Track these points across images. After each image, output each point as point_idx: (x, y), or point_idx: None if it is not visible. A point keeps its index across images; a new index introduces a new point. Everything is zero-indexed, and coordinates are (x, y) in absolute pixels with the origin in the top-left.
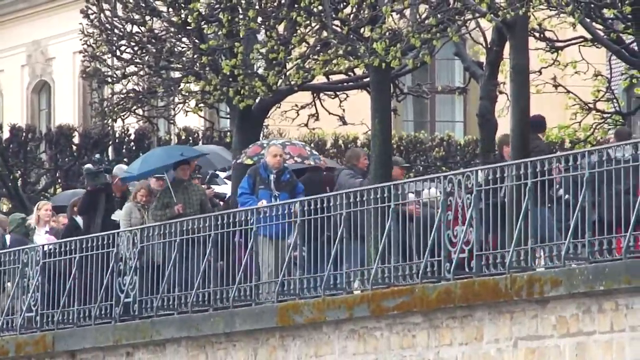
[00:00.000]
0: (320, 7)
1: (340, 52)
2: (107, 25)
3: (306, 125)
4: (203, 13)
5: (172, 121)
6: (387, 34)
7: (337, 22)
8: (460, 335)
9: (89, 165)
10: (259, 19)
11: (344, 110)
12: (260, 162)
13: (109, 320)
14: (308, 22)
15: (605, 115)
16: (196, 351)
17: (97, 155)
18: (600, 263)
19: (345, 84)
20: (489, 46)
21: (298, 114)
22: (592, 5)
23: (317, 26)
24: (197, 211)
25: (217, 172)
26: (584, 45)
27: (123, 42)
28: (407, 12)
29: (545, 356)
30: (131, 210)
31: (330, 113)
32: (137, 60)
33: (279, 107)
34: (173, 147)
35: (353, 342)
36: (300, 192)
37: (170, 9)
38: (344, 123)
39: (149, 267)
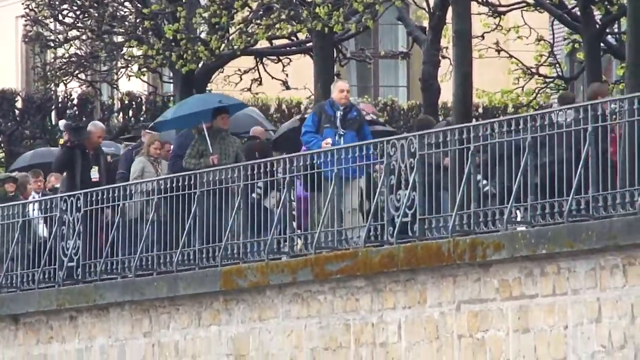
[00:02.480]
0: None
1: (283, 16)
2: None
3: (249, 89)
4: None
5: (114, 86)
6: None
7: None
8: (403, 299)
9: (65, 122)
10: None
11: (287, 74)
12: (327, 100)
13: (52, 285)
14: None
15: (547, 80)
16: (140, 315)
17: (69, 111)
18: (543, 227)
19: (288, 48)
20: (431, 11)
21: (241, 79)
22: None
23: None
24: (232, 163)
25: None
26: (526, 10)
27: (65, 6)
28: None
29: (488, 319)
30: (144, 165)
31: (273, 78)
32: (80, 24)
33: (222, 72)
34: (210, 94)
35: (296, 305)
36: (367, 131)
37: None
38: (287, 88)
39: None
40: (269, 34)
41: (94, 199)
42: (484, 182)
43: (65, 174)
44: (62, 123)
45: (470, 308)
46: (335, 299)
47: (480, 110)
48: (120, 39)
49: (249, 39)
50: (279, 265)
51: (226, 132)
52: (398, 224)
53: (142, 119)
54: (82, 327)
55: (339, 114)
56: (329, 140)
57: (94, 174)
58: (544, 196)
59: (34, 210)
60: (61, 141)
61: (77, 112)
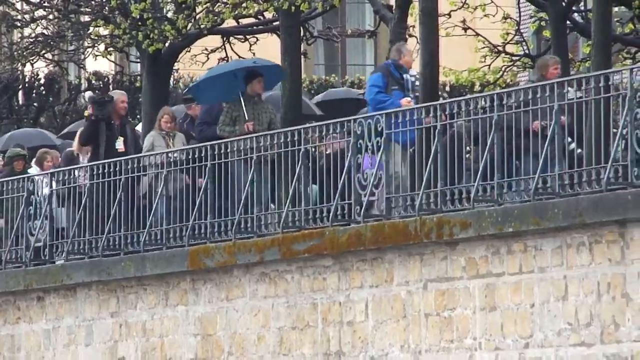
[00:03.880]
0: None
1: None
2: None
3: None
4: None
5: (81, 65)
6: None
7: None
8: (370, 278)
9: (91, 93)
10: None
11: (254, 54)
12: (388, 61)
13: (19, 265)
14: None
15: (514, 58)
16: (107, 295)
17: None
18: (509, 205)
19: (254, 27)
20: None
21: (208, 58)
22: None
23: None
24: (265, 131)
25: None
26: None
27: None
28: None
29: (455, 297)
30: (154, 139)
31: (240, 57)
32: (46, 3)
33: (189, 51)
34: (245, 59)
35: (264, 285)
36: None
37: None
38: None
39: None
40: (236, 13)
41: (60, 178)
42: (573, 144)
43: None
44: (87, 94)
45: (437, 286)
46: (302, 278)
47: (448, 88)
48: (86, 18)
49: (215, 18)
50: (246, 244)
51: (259, 97)
52: (365, 202)
53: None
54: (49, 307)
55: (408, 77)
56: (409, 99)
57: (119, 144)
58: (511, 174)
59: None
60: (86, 113)
61: (44, 92)
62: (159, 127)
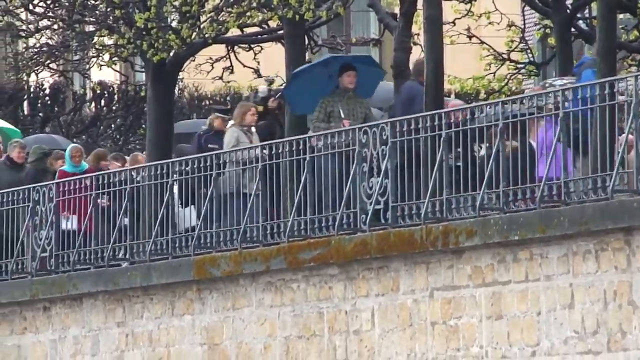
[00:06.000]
0: None
1: (254, 4)
2: None
3: (221, 78)
4: None
5: (86, 75)
6: None
7: None
8: (376, 287)
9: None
10: None
11: (258, 62)
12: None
13: (25, 275)
14: None
15: (519, 66)
16: (113, 305)
17: (270, 76)
18: (515, 213)
19: (259, 36)
20: None
21: (213, 67)
22: None
23: None
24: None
25: None
26: None
27: None
28: None
29: (461, 306)
30: (237, 134)
31: (245, 66)
32: (50, 14)
33: (194, 61)
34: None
35: (270, 294)
36: None
37: None
38: (259, 76)
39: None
40: (240, 22)
41: (66, 189)
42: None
43: None
44: (262, 88)
45: (443, 295)
46: (308, 287)
47: (453, 96)
48: (91, 28)
49: (220, 27)
50: (252, 254)
51: (353, 91)
52: (370, 211)
53: (114, 108)
54: (55, 317)
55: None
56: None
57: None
58: (516, 182)
59: None
60: (260, 108)
61: (49, 102)
62: (240, 123)
